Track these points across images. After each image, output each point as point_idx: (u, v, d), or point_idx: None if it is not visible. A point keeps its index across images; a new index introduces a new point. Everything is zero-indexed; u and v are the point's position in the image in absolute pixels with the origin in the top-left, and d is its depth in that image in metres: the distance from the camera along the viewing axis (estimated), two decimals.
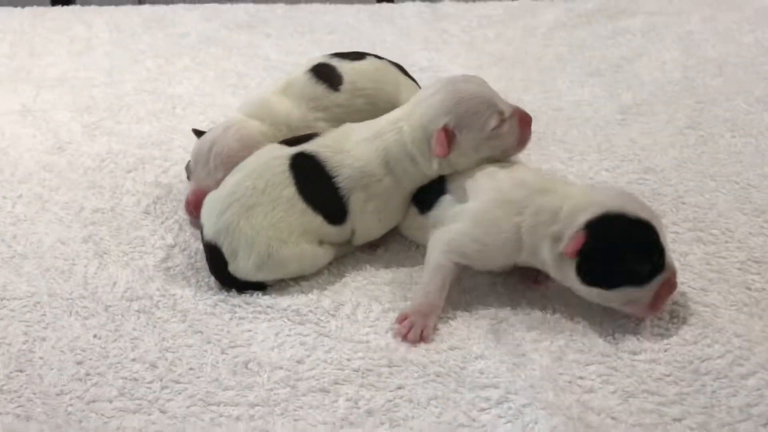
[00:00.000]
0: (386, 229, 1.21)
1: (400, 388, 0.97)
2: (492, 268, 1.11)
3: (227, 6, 2.17)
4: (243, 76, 1.80)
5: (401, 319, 1.05)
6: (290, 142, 1.19)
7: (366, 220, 1.17)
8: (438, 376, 0.98)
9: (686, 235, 1.24)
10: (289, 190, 1.13)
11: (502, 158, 1.18)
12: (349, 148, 1.16)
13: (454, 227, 1.10)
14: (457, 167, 1.16)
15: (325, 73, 1.35)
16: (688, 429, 0.90)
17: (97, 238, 1.25)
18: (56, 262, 1.20)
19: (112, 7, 2.17)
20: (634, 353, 1.01)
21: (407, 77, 1.42)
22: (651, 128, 1.57)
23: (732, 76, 1.76)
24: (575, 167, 1.44)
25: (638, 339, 1.03)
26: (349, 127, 1.21)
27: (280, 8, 2.16)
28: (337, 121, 1.27)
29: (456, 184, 1.14)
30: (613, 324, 1.06)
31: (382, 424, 0.92)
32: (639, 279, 1.01)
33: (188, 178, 1.28)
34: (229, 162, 1.20)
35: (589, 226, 1.01)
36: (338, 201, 1.14)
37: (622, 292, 1.01)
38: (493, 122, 1.14)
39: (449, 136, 1.12)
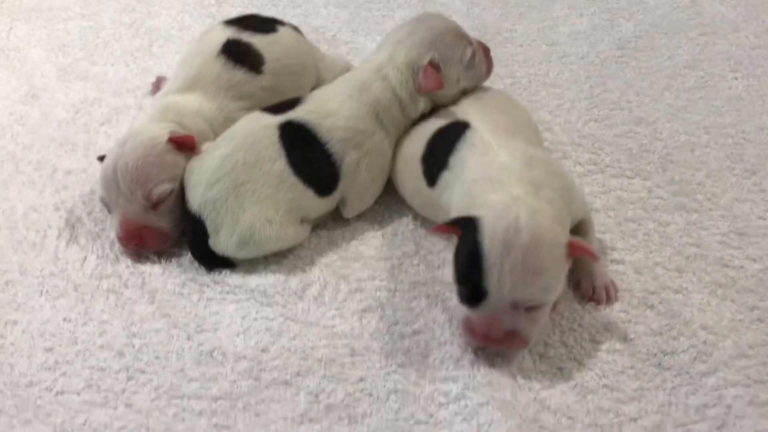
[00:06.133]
0: (377, 192, 1.19)
1: (361, 380, 0.98)
2: None
3: None
4: (222, 3, 1.72)
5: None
6: (272, 109, 1.15)
7: (359, 181, 1.15)
8: (400, 366, 0.99)
9: (670, 201, 1.20)
10: (280, 164, 1.10)
11: (476, 87, 1.21)
12: (336, 109, 1.14)
13: None
14: (439, 101, 1.17)
15: (241, 55, 1.22)
16: (642, 429, 0.91)
17: (69, 204, 1.24)
18: (28, 233, 1.19)
19: None
20: (598, 342, 1.01)
21: (310, 44, 1.36)
22: (649, 67, 1.49)
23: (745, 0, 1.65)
24: (562, 117, 1.38)
25: (605, 328, 1.02)
26: (325, 90, 1.19)
27: None
28: (262, 106, 1.18)
29: (456, 158, 1.06)
30: (580, 310, 1.04)
31: (341, 419, 0.94)
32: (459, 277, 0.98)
33: (109, 212, 1.14)
34: (140, 176, 1.09)
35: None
36: (331, 168, 1.13)
37: None
38: (468, 53, 1.17)
39: (437, 69, 1.14)
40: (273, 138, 1.11)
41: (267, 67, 1.24)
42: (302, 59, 1.30)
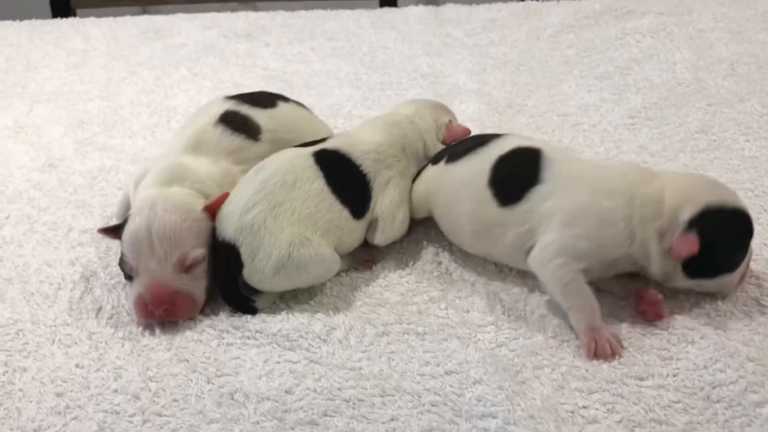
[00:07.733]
0: (405, 221, 1.20)
1: (393, 419, 0.92)
2: (608, 270, 1.06)
3: (226, 15, 2.13)
4: (240, 86, 1.75)
5: (586, 344, 1.00)
6: (299, 146, 1.19)
7: (390, 198, 1.19)
8: (433, 405, 0.93)
9: None
10: (318, 183, 1.13)
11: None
12: (368, 139, 1.22)
13: (559, 234, 1.05)
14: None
15: (239, 124, 1.24)
16: None
17: (85, 260, 1.21)
18: (41, 286, 1.16)
19: (111, 19, 2.14)
20: (641, 379, 0.96)
21: (317, 119, 1.38)
22: (661, 133, 1.52)
23: (745, 76, 1.69)
24: None
25: (645, 363, 0.98)
26: (353, 131, 1.29)
27: (280, 16, 2.11)
28: None
29: (552, 173, 1.09)
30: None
31: None
32: (736, 265, 1.05)
33: (127, 278, 1.10)
34: (177, 238, 1.06)
35: (695, 225, 1.02)
36: (364, 187, 1.17)
37: (720, 279, 1.05)
38: None
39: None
40: (309, 162, 1.14)
41: (264, 136, 1.25)
42: (300, 134, 1.27)
